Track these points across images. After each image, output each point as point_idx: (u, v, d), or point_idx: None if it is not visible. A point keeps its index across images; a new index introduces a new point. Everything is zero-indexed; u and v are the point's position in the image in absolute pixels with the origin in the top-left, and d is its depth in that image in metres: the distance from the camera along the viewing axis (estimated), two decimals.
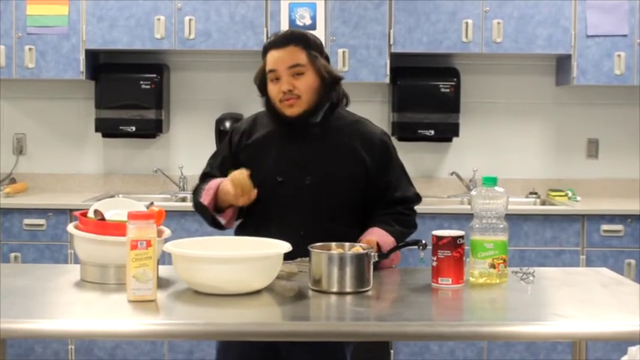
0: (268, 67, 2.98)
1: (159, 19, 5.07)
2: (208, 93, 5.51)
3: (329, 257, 2.53)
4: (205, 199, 2.96)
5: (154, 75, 5.25)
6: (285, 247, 2.56)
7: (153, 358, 4.81)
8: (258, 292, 2.51)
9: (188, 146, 5.51)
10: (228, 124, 5.33)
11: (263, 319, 2.37)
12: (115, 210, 2.69)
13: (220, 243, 2.67)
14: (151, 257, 2.37)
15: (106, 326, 2.28)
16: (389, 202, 3.04)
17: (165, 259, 2.77)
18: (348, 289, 2.51)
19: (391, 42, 5.09)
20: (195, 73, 5.51)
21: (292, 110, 2.94)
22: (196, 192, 3.08)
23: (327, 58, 3.05)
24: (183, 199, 5.28)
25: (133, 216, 2.38)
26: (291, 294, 2.56)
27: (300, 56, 2.94)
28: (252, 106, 5.44)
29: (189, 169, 5.41)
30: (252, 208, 2.96)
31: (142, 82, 5.21)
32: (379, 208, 3.03)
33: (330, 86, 2.99)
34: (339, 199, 2.97)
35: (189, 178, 5.41)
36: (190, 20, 5.07)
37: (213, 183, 2.97)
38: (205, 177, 3.13)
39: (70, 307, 2.48)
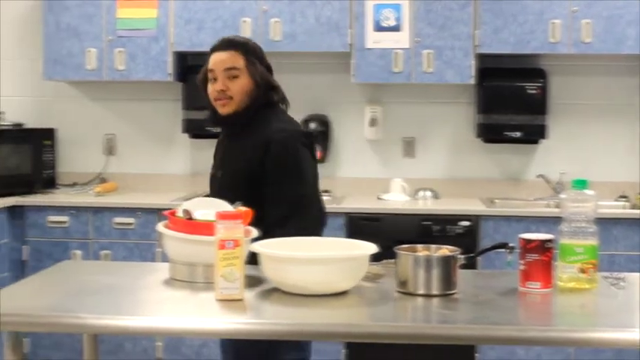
0: (209, 67, 3.16)
1: (245, 22, 5.12)
2: (293, 95, 5.46)
3: (415, 259, 2.52)
4: None
5: None
6: (372, 248, 2.55)
7: None
8: (343, 293, 2.51)
9: None
10: (313, 126, 5.36)
11: (349, 320, 2.37)
12: (203, 210, 2.72)
13: (307, 243, 2.68)
14: (239, 257, 2.40)
15: (193, 324, 2.31)
16: (269, 200, 3.02)
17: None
18: (434, 292, 2.49)
19: (477, 43, 5.04)
20: (280, 74, 5.48)
21: (224, 110, 3.12)
22: None
23: (268, 67, 3.21)
24: None
25: (222, 216, 2.41)
26: (377, 295, 2.55)
27: (238, 60, 3.12)
28: (337, 107, 5.51)
29: None
30: None
31: None
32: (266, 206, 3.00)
33: (264, 91, 3.14)
34: (239, 192, 2.97)
35: None
36: (276, 22, 5.11)
37: None
38: None
39: (158, 305, 2.52)
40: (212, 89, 3.13)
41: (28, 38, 5.62)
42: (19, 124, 5.39)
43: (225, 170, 3.19)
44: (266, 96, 3.15)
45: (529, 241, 2.56)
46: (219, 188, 3.17)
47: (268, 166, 3.05)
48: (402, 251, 2.56)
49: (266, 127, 3.11)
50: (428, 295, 2.49)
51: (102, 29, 5.22)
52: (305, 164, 3.13)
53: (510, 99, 5.14)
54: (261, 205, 2.94)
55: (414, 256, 2.53)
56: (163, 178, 5.61)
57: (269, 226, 2.89)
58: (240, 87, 3.11)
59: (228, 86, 3.10)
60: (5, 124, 5.32)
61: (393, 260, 2.59)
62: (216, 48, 3.17)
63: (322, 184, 5.37)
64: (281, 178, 3.06)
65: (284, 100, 3.26)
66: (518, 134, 5.14)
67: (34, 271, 4.75)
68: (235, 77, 3.11)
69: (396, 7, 5.05)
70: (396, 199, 5.19)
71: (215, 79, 3.13)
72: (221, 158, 3.26)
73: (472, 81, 5.09)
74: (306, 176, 3.13)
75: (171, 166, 5.63)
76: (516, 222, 4.74)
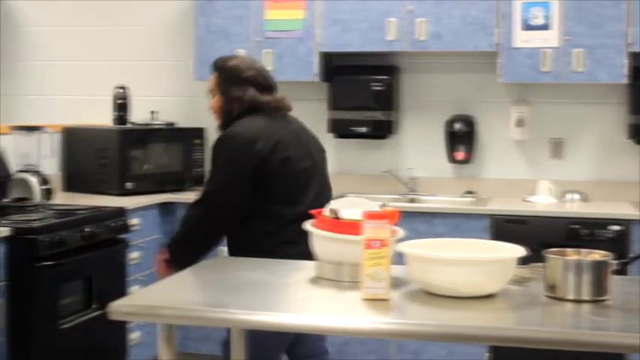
0: None
1: (390, 22, 5.12)
2: (438, 94, 5.51)
3: (565, 263, 2.46)
4: None
5: (386, 77, 5.32)
6: (520, 251, 2.51)
7: (380, 357, 4.88)
8: (490, 295, 2.48)
9: (417, 148, 5.54)
10: (458, 126, 5.33)
11: (497, 323, 2.34)
12: (349, 209, 2.74)
13: (453, 245, 2.66)
14: (385, 257, 2.40)
15: (339, 323, 2.32)
16: None
17: (396, 259, 2.79)
18: (584, 297, 2.43)
19: (630, 41, 4.88)
20: (425, 74, 5.54)
21: (217, 122, 3.62)
22: None
23: (249, 80, 3.53)
24: (412, 200, 5.31)
25: (369, 216, 2.42)
26: (524, 299, 2.51)
27: (212, 81, 3.60)
28: (483, 107, 5.44)
29: (419, 171, 5.46)
30: None
31: (373, 84, 5.30)
32: None
33: (240, 104, 3.50)
34: None
35: (419, 179, 5.45)
36: (421, 22, 5.09)
37: None
38: None
39: (305, 303, 2.56)
40: None
41: (180, 40, 5.81)
42: (171, 124, 5.57)
43: None
44: (243, 107, 3.50)
45: None
46: None
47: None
48: (552, 255, 2.51)
49: None
50: (578, 301, 2.43)
51: (250, 31, 5.34)
52: (223, 163, 3.41)
53: None
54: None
55: (564, 260, 2.47)
56: None
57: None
58: (215, 103, 3.57)
59: (211, 104, 3.59)
60: (158, 123, 5.51)
61: (541, 264, 2.54)
62: None
63: (466, 185, 5.37)
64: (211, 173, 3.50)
65: (263, 107, 3.53)
66: None
67: None
68: (212, 97, 3.59)
69: (545, 5, 4.95)
70: (543, 202, 5.10)
71: None
72: None
73: (625, 80, 4.93)
74: (218, 173, 3.43)
75: None
76: None
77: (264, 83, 3.57)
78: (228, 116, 3.52)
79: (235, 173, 3.38)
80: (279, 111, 3.59)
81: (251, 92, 3.51)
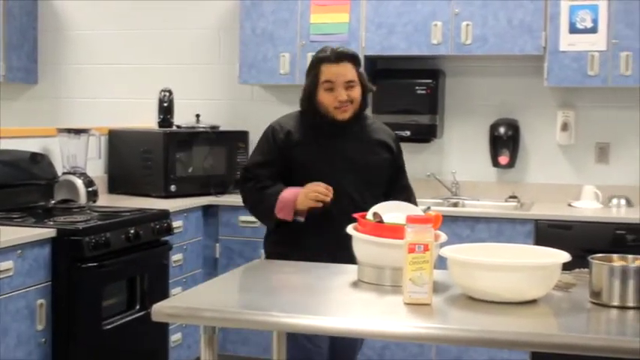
0: (326, 78, 3.49)
1: (436, 25, 5.10)
2: (483, 98, 5.48)
3: (610, 270, 2.43)
4: (285, 214, 3.44)
5: (430, 80, 5.29)
6: (564, 256, 2.49)
7: None
8: (533, 301, 2.46)
9: (461, 152, 5.51)
10: (502, 130, 5.29)
11: (538, 329, 2.31)
12: (393, 213, 2.74)
13: (496, 250, 2.65)
14: (428, 261, 2.39)
15: (380, 326, 2.32)
16: (399, 187, 3.65)
17: (438, 263, 2.78)
18: (630, 304, 2.39)
19: None
20: (470, 78, 5.50)
21: (344, 115, 3.51)
22: (264, 200, 3.51)
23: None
24: (456, 204, 5.28)
25: (412, 220, 2.42)
26: (568, 305, 2.49)
27: (353, 73, 3.52)
28: (527, 111, 5.39)
29: (462, 175, 5.42)
30: None
31: (417, 88, 5.28)
32: (392, 193, 3.53)
33: (366, 95, 3.60)
34: (374, 183, 3.55)
35: (462, 183, 5.41)
36: (467, 25, 5.06)
37: (287, 195, 3.44)
38: (263, 189, 3.52)
39: (346, 306, 2.56)
40: (332, 98, 3.48)
41: (225, 43, 5.84)
42: (215, 127, 5.59)
43: (362, 163, 3.55)
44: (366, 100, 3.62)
45: None
46: (352, 184, 3.49)
47: (401, 156, 3.75)
48: (597, 261, 2.48)
49: (381, 124, 3.76)
50: (623, 307, 2.40)
51: (296, 34, 5.34)
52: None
53: None
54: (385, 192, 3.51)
55: (609, 266, 2.44)
56: None
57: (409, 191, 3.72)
58: (358, 95, 3.52)
59: (350, 94, 3.49)
60: (202, 126, 5.53)
61: (585, 270, 2.52)
62: (330, 60, 3.51)
63: (510, 189, 5.32)
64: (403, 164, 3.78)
65: None
66: None
67: (226, 269, 4.93)
68: (353, 87, 3.50)
69: (593, 8, 4.89)
70: (588, 207, 5.03)
71: (332, 89, 3.48)
72: (344, 158, 3.53)
73: None
74: None
75: None
76: None
77: None
78: (361, 109, 3.58)
79: None
80: None
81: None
